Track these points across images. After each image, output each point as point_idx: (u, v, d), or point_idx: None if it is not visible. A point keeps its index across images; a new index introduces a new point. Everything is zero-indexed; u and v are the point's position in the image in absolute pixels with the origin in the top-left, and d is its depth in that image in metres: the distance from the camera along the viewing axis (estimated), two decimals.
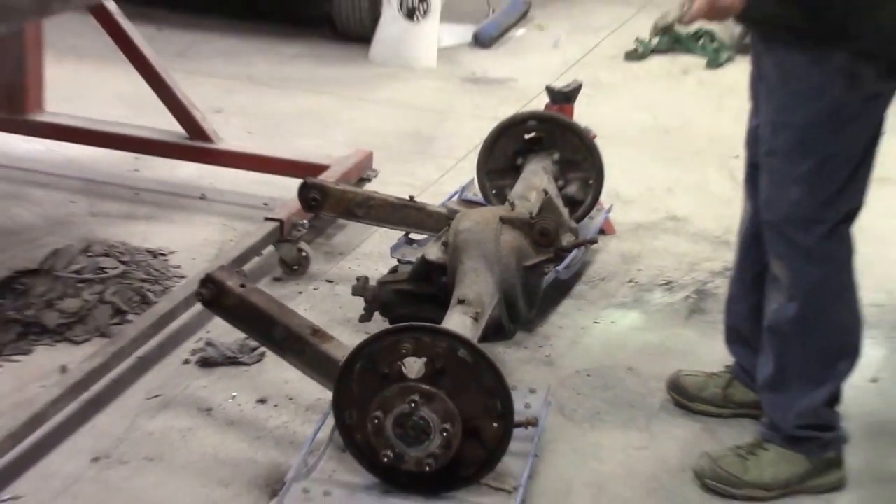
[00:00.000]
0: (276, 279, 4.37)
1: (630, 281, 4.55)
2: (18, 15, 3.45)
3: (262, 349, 3.71)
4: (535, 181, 4.20)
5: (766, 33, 3.26)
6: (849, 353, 3.37)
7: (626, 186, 5.02)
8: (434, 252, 3.86)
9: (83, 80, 5.54)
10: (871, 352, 3.96)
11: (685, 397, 3.76)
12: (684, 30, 7.00)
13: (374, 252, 4.54)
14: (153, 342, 3.83)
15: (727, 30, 6.68)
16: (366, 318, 3.87)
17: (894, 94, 3.21)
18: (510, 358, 3.93)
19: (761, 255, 3.41)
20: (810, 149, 3.17)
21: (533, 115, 4.51)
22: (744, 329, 3.62)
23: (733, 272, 3.69)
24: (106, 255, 4.29)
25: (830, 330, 3.33)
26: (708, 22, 3.25)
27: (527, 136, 4.46)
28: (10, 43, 4.88)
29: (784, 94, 3.21)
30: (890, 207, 4.67)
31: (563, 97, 4.71)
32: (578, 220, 4.33)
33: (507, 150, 4.46)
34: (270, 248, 4.38)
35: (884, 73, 3.14)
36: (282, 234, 4.35)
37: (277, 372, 3.67)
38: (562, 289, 4.38)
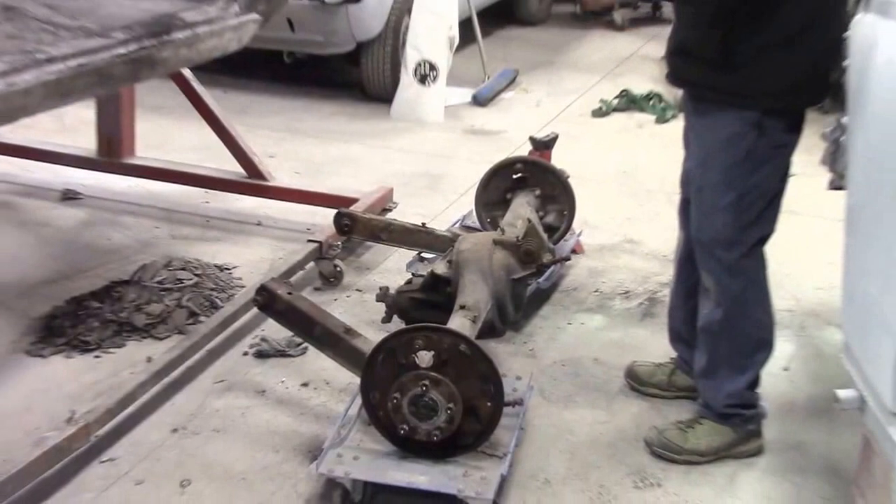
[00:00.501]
0: (317, 288, 4.35)
1: (596, 290, 4.53)
2: (116, 81, 3.45)
3: (305, 344, 3.70)
4: (521, 212, 4.21)
5: (694, 94, 3.27)
6: (765, 346, 3.39)
7: (593, 216, 5.02)
8: (441, 267, 3.89)
9: (165, 132, 5.55)
10: (784, 346, 3.96)
11: (638, 383, 3.77)
12: (638, 93, 7.03)
13: (393, 267, 4.52)
14: (219, 338, 3.84)
15: (672, 92, 6.67)
16: (387, 319, 3.90)
17: (797, 143, 3.21)
18: (501, 351, 3.92)
19: (693, 272, 3.42)
20: (731, 186, 3.18)
21: (519, 160, 4.53)
22: (682, 330, 3.62)
23: (672, 285, 3.69)
24: (183, 269, 4.28)
25: (750, 329, 3.34)
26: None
27: (514, 176, 4.47)
28: (109, 101, 4.90)
29: (709, 142, 3.22)
30: (798, 234, 4.68)
31: (543, 145, 4.71)
32: (555, 242, 4.35)
33: (499, 187, 4.48)
34: (312, 263, 4.37)
35: (787, 127, 3.17)
36: (321, 253, 4.35)
37: (317, 362, 3.67)
38: (542, 296, 4.37)
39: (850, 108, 3.01)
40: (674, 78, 3.34)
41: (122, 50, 3.23)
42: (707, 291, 3.33)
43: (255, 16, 3.80)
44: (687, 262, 3.50)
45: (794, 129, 3.20)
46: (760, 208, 3.22)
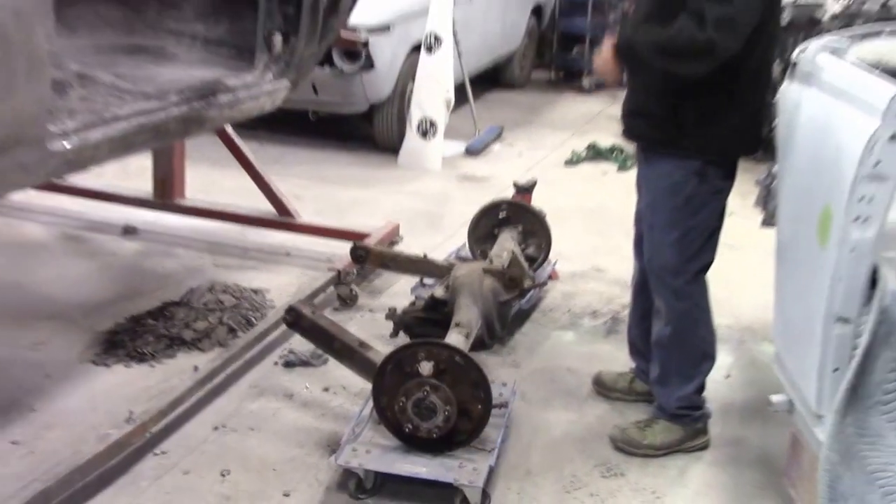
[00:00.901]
0: (336, 309, 4.33)
1: (568, 311, 4.52)
2: (170, 136, 3.45)
3: (326, 356, 3.69)
4: (506, 245, 4.22)
5: (645, 147, 3.27)
6: (709, 358, 3.39)
7: (566, 248, 5.00)
8: (439, 291, 3.89)
9: (210, 177, 5.54)
10: (725, 357, 3.96)
11: (604, 388, 3.76)
12: (603, 146, 7.03)
13: (400, 291, 4.50)
14: (254, 350, 3.82)
15: (630, 146, 6.67)
16: (394, 335, 3.90)
17: (732, 188, 3.22)
18: (489, 361, 3.89)
19: (647, 296, 3.42)
20: (676, 225, 3.18)
21: (504, 202, 4.54)
22: (639, 345, 3.62)
23: (630, 307, 3.68)
24: (224, 292, 4.27)
25: (695, 343, 3.34)
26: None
27: (500, 216, 4.48)
28: (164, 151, 4.89)
29: (656, 188, 3.22)
30: (736, 264, 4.68)
31: (525, 189, 4.72)
32: (535, 270, 4.35)
33: (487, 224, 4.49)
34: (332, 288, 4.36)
35: (723, 175, 3.17)
36: (339, 279, 4.34)
37: (336, 371, 3.66)
38: (523, 316, 4.36)
39: (779, 159, 3.02)
40: (629, 134, 3.35)
41: (175, 110, 3.21)
42: (658, 312, 3.33)
43: (286, 82, 3.79)
44: (642, 288, 3.50)
45: (730, 176, 3.20)
46: (701, 243, 3.22)
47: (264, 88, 3.65)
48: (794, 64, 2.98)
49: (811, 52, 2.91)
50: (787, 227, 2.93)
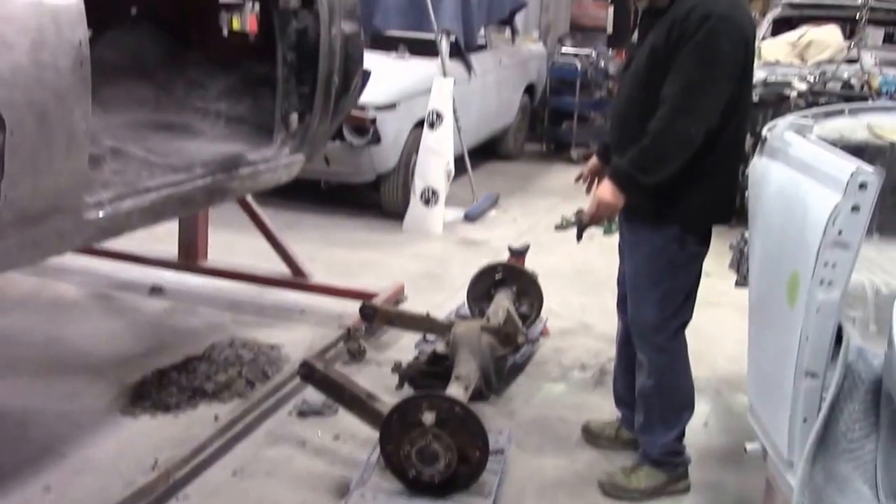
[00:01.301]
0: (346, 363, 4.32)
1: (559, 364, 4.51)
2: (196, 206, 3.50)
3: (337, 406, 3.66)
4: (502, 304, 4.23)
5: (628, 216, 3.26)
6: (688, 407, 3.38)
7: (556, 306, 5.02)
8: (441, 347, 3.90)
9: (231, 240, 5.55)
10: (703, 407, 3.94)
11: (592, 436, 3.74)
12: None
13: (404, 346, 4.49)
14: (270, 401, 3.81)
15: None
16: (399, 387, 3.90)
17: (707, 252, 3.23)
18: (487, 411, 3.87)
19: (631, 351, 3.41)
20: (657, 287, 3.18)
21: (499, 265, 4.54)
22: (624, 396, 3.61)
23: (615, 361, 3.68)
24: (243, 347, 4.27)
25: (676, 394, 3.33)
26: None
27: (496, 277, 4.48)
28: (188, 217, 4.93)
29: (639, 253, 3.22)
30: (713, 320, 4.68)
31: (518, 253, 4.74)
32: (528, 327, 4.34)
33: (484, 285, 4.49)
34: (342, 343, 4.35)
35: (699, 240, 3.19)
36: (349, 335, 4.34)
37: (346, 420, 3.62)
38: (518, 369, 4.35)
39: (750, 227, 3.05)
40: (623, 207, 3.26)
41: (200, 182, 3.26)
42: (641, 365, 3.32)
43: (301, 156, 3.84)
44: (625, 343, 3.50)
45: (705, 241, 3.22)
46: (680, 302, 3.23)
47: (281, 162, 3.70)
48: (764, 140, 3.02)
49: (779, 129, 2.96)
50: (759, 289, 2.94)
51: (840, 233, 2.38)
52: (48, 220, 2.51)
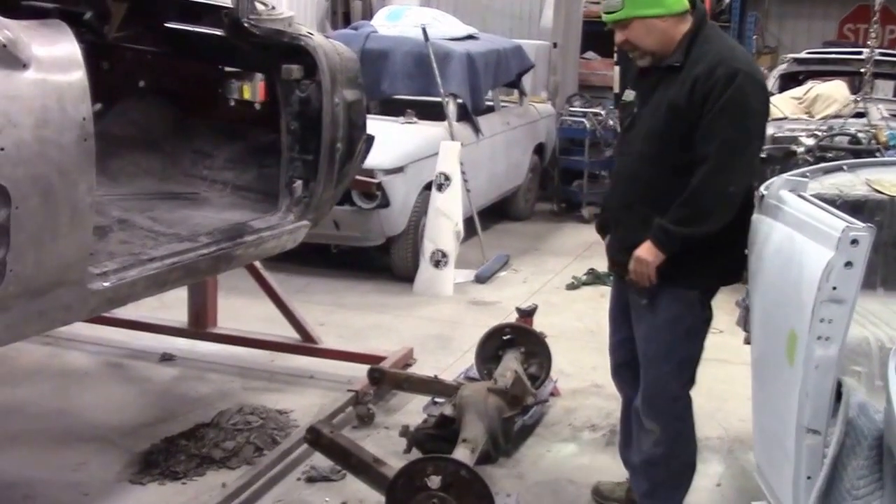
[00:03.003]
0: (355, 427, 4.34)
1: (569, 425, 4.51)
2: (201, 274, 3.55)
3: (344, 471, 3.69)
4: (510, 365, 4.25)
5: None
6: (693, 467, 3.36)
7: (566, 366, 5.03)
8: (448, 409, 3.91)
9: (240, 307, 5.61)
10: (716, 467, 3.94)
11: (602, 498, 3.73)
12: (601, 271, 7.07)
13: (413, 410, 4.50)
14: (279, 467, 3.83)
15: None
16: (407, 451, 3.89)
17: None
18: (495, 474, 3.88)
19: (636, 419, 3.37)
20: (673, 354, 3.16)
21: (508, 325, 4.59)
22: (632, 460, 3.56)
23: (620, 428, 3.66)
24: (252, 413, 4.28)
25: (684, 458, 3.32)
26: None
27: (504, 338, 4.51)
28: (198, 284, 4.94)
29: (654, 321, 3.16)
30: (725, 378, 4.67)
31: (526, 313, 4.77)
32: (537, 388, 4.35)
33: (493, 346, 4.51)
34: (351, 408, 4.37)
35: (709, 303, 3.19)
36: (357, 399, 4.36)
37: (353, 485, 3.65)
38: (527, 431, 4.35)
39: (749, 285, 3.08)
40: (626, 271, 3.19)
41: (205, 251, 3.32)
42: (649, 433, 3.25)
43: (305, 222, 3.90)
44: (627, 419, 3.48)
45: (710, 303, 3.21)
46: (695, 368, 3.22)
47: (286, 229, 3.76)
48: (762, 197, 3.07)
49: (775, 187, 3.01)
50: (760, 347, 2.97)
51: (835, 288, 2.41)
52: (53, 291, 2.57)
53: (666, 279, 3.09)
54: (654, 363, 3.20)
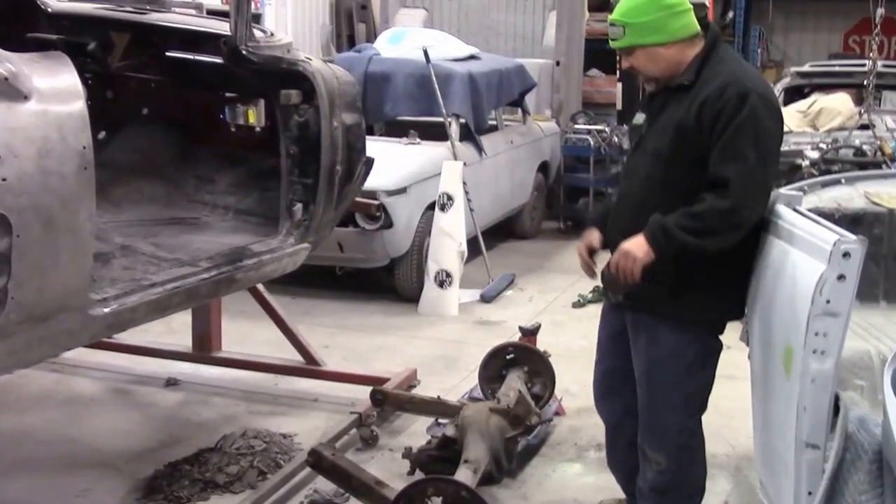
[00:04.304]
0: (358, 449, 4.36)
1: (574, 444, 4.52)
2: (202, 298, 3.60)
3: (347, 494, 3.71)
4: (513, 384, 4.26)
5: (639, 311, 3.12)
6: (702, 490, 3.31)
7: (571, 385, 5.03)
8: (450, 430, 3.94)
9: (245, 330, 5.65)
10: (723, 484, 3.95)
11: None
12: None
13: (416, 431, 4.52)
14: (282, 491, 3.85)
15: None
16: (411, 472, 3.92)
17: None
18: (500, 495, 3.90)
19: (627, 457, 3.36)
20: (679, 387, 3.11)
21: (510, 345, 4.59)
22: (625, 485, 3.54)
23: (608, 457, 3.60)
24: (255, 437, 4.30)
25: (693, 482, 3.28)
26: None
27: (507, 357, 4.52)
28: (202, 308, 4.98)
29: (655, 354, 3.10)
30: (733, 394, 4.64)
31: (529, 332, 4.79)
32: (541, 407, 4.36)
33: (496, 366, 4.52)
34: (355, 430, 4.40)
35: (717, 333, 3.15)
36: (360, 421, 4.39)
37: None
38: (532, 450, 4.36)
39: (748, 300, 3.10)
40: (627, 300, 3.10)
41: (205, 275, 3.37)
42: (656, 463, 3.19)
43: (306, 245, 3.95)
44: (618, 440, 3.44)
45: (722, 332, 3.15)
46: (704, 398, 3.17)
47: (286, 251, 3.81)
48: None
49: (771, 201, 3.04)
50: (758, 361, 2.99)
51: (828, 302, 2.44)
52: (55, 318, 2.62)
53: (669, 314, 3.05)
54: (657, 395, 3.13)
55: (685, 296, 3.01)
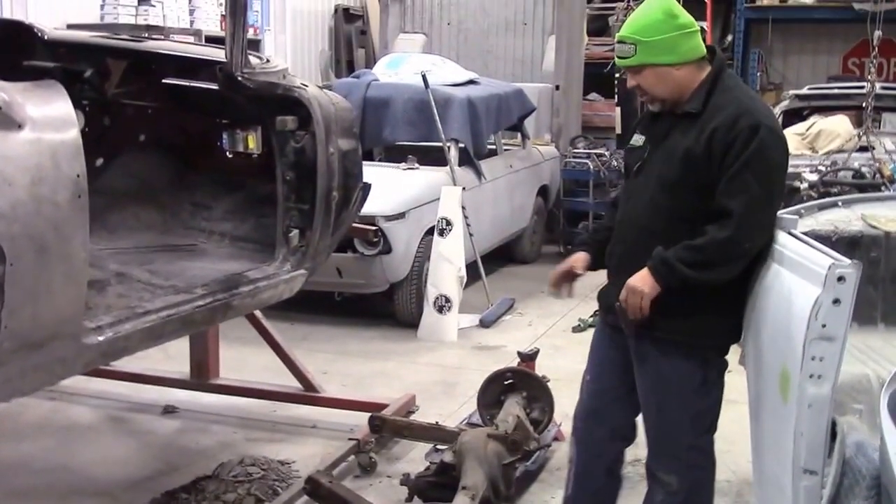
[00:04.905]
0: (357, 476, 4.35)
1: None
2: (197, 325, 3.59)
3: None
4: (512, 410, 4.24)
5: (644, 335, 3.09)
6: None
7: (570, 410, 4.86)
8: (448, 457, 3.92)
9: (243, 357, 5.64)
10: None
11: None
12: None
13: (415, 457, 4.51)
14: None
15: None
16: (409, 499, 3.90)
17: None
18: None
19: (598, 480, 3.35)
20: (689, 408, 3.10)
21: (509, 370, 4.56)
22: None
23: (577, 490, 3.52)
24: (253, 464, 4.29)
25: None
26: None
27: (506, 383, 4.50)
28: (199, 335, 4.97)
29: (663, 377, 3.09)
30: (734, 418, 4.61)
31: (528, 357, 4.77)
32: (540, 433, 4.34)
33: (494, 391, 4.49)
34: (353, 456, 4.39)
35: (723, 354, 3.15)
36: (359, 448, 4.37)
37: None
38: (531, 476, 4.34)
39: (744, 324, 3.09)
40: (632, 327, 3.06)
41: (201, 302, 3.37)
42: (665, 484, 3.17)
43: (302, 271, 3.95)
44: (588, 476, 3.40)
45: (724, 355, 3.15)
46: (716, 415, 3.16)
47: (282, 278, 3.82)
48: None
49: None
50: (755, 386, 2.98)
51: (824, 326, 2.43)
52: (49, 346, 2.62)
53: (675, 340, 3.03)
54: (666, 416, 3.12)
55: (691, 320, 3.01)
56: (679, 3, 3.10)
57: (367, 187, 4.35)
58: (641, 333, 3.09)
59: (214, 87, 3.91)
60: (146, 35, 4.65)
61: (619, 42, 3.05)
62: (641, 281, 2.95)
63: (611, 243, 3.24)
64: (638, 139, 3.21)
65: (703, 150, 2.93)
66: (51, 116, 2.54)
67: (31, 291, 2.49)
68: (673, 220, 2.99)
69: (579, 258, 3.37)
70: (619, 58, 3.06)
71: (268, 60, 4.10)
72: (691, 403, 3.10)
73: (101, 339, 2.83)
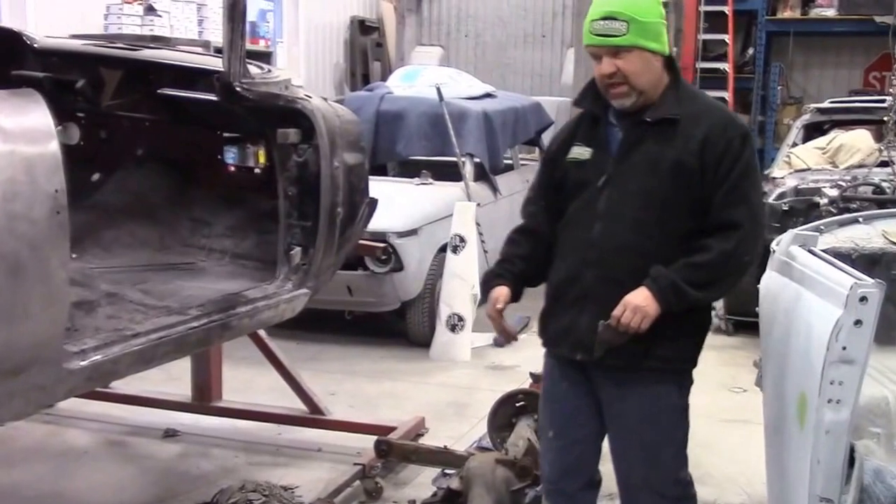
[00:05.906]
0: (362, 502, 4.24)
1: None
2: (191, 347, 3.46)
3: None
4: (522, 433, 4.15)
5: (622, 367, 2.90)
6: None
7: None
8: (455, 482, 3.82)
9: (247, 378, 5.55)
10: None
11: None
12: None
13: (422, 482, 4.39)
14: None
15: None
16: None
17: None
18: None
19: None
20: (672, 438, 2.97)
21: (520, 391, 4.47)
22: None
23: None
24: (254, 490, 4.12)
25: None
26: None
27: (517, 405, 4.40)
28: (202, 355, 4.87)
29: (646, 410, 2.92)
30: (747, 439, 4.49)
31: (539, 378, 4.65)
32: None
33: (506, 413, 4.40)
34: (358, 482, 4.27)
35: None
36: (364, 473, 4.26)
37: None
38: (540, 502, 4.19)
39: (761, 346, 2.98)
40: (611, 355, 2.84)
41: (195, 323, 3.26)
42: None
43: (305, 290, 3.83)
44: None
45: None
46: (687, 443, 3.02)
47: (283, 298, 3.70)
48: (772, 253, 2.99)
49: (784, 243, 2.93)
50: (772, 410, 2.87)
51: (844, 348, 2.31)
52: (26, 372, 2.51)
53: (650, 367, 2.87)
54: (651, 449, 2.95)
55: (676, 345, 2.89)
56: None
57: (373, 203, 4.24)
58: (630, 364, 2.87)
59: (214, 97, 3.82)
60: (152, 45, 4.58)
61: (604, 18, 2.75)
62: (645, 301, 2.72)
63: (564, 269, 2.97)
64: (582, 151, 2.95)
65: (696, 160, 2.78)
66: (25, 127, 2.43)
67: (6, 314, 2.38)
68: (663, 237, 2.81)
69: (501, 293, 3.12)
70: (606, 35, 2.75)
71: (269, 70, 4.00)
72: (675, 434, 2.97)
73: (84, 363, 2.72)
